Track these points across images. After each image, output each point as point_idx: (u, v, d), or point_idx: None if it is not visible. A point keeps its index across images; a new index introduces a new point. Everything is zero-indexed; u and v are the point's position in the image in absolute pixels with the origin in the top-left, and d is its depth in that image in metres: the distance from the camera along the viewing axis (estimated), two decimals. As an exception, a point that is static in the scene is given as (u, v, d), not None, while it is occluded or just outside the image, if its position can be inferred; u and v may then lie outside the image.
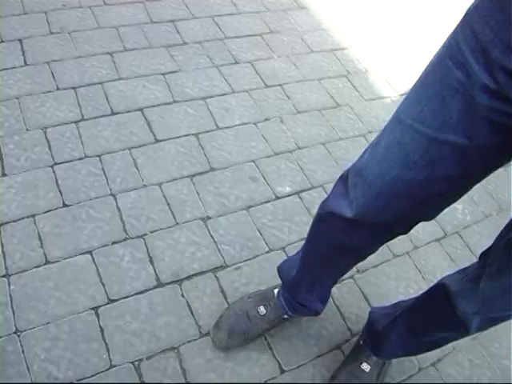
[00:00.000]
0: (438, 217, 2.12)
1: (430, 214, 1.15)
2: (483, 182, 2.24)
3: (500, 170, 2.28)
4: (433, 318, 1.35)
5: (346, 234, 1.23)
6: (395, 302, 1.57)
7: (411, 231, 1.96)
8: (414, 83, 1.00)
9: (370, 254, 1.36)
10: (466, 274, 1.22)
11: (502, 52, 0.77)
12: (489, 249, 1.14)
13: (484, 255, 1.16)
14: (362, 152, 1.14)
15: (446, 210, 2.23)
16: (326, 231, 1.31)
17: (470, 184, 1.04)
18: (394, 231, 1.22)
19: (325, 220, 1.30)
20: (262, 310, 1.63)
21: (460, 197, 1.09)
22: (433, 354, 1.74)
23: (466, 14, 0.87)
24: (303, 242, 1.49)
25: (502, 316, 1.15)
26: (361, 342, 1.63)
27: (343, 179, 1.19)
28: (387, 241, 1.28)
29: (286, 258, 1.67)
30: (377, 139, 1.09)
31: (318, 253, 1.41)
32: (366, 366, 1.58)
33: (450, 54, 0.88)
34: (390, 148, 1.03)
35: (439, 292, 1.32)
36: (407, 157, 0.99)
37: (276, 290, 1.65)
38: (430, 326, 1.37)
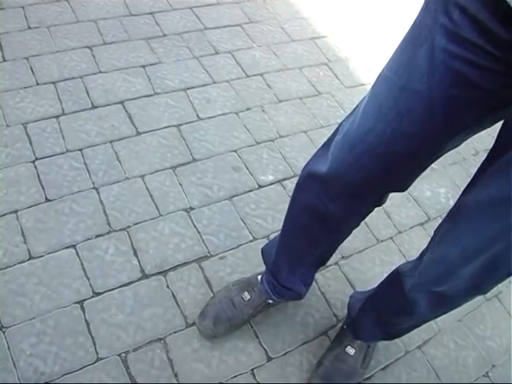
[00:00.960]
0: (421, 201, 2.17)
1: (400, 182, 1.16)
2: (465, 165, 2.29)
3: (482, 154, 2.30)
4: (389, 303, 1.40)
5: (320, 199, 1.24)
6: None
7: (395, 216, 1.97)
8: None
9: (347, 229, 1.37)
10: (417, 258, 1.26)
11: None
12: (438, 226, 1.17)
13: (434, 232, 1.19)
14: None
15: (429, 194, 2.25)
16: (302, 198, 1.33)
17: (436, 149, 1.04)
18: (366, 200, 1.22)
19: (302, 184, 1.32)
20: (245, 295, 1.64)
21: (427, 164, 1.10)
22: (418, 337, 1.77)
23: None
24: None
25: (444, 291, 1.15)
26: (344, 327, 1.65)
27: (327, 142, 1.22)
28: (362, 215, 1.30)
29: (270, 244, 1.69)
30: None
31: (295, 225, 1.42)
32: (350, 350, 1.59)
33: (425, 4, 0.90)
34: (369, 101, 1.05)
35: (393, 276, 1.35)
36: (380, 108, 1.00)
37: (259, 276, 1.66)
38: (388, 311, 1.42)
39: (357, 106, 1.13)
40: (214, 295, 1.69)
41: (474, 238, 0.99)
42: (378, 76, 1.05)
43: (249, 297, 1.63)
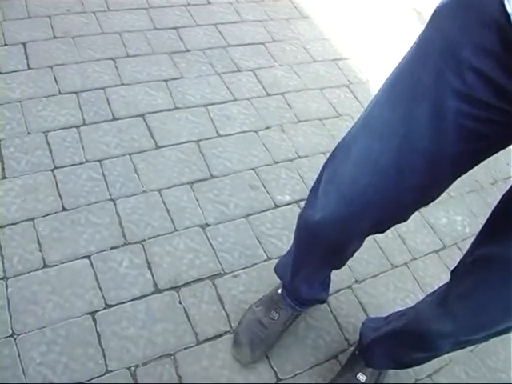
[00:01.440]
0: (437, 228, 2.15)
1: (400, 221, 1.14)
2: (483, 194, 2.28)
3: (500, 183, 2.30)
4: (406, 344, 1.37)
5: (319, 240, 1.24)
6: (387, 314, 1.56)
7: (410, 242, 1.96)
8: (384, 81, 0.97)
9: (353, 249, 1.36)
10: (435, 297, 1.23)
11: (470, 52, 0.76)
12: (457, 267, 1.14)
13: (453, 273, 1.16)
14: (332, 156, 1.13)
15: (445, 221, 2.23)
16: (302, 240, 1.36)
17: (439, 191, 1.03)
18: (366, 235, 1.22)
19: (300, 228, 1.34)
20: (274, 314, 1.63)
21: (431, 202, 1.08)
22: (429, 366, 1.73)
23: (435, 12, 0.85)
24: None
25: (473, 339, 1.13)
26: (356, 352, 1.63)
27: (314, 187, 1.20)
28: (364, 239, 1.29)
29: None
30: (347, 143, 1.07)
31: (302, 253, 1.42)
32: (361, 376, 1.57)
33: (420, 55, 0.87)
34: (360, 155, 1.01)
35: (413, 321, 1.33)
36: (376, 164, 0.97)
37: (280, 291, 1.65)
38: (403, 349, 1.40)
39: (336, 148, 1.11)
40: (241, 321, 1.68)
41: None
42: (367, 124, 1.01)
43: (277, 315, 1.63)
